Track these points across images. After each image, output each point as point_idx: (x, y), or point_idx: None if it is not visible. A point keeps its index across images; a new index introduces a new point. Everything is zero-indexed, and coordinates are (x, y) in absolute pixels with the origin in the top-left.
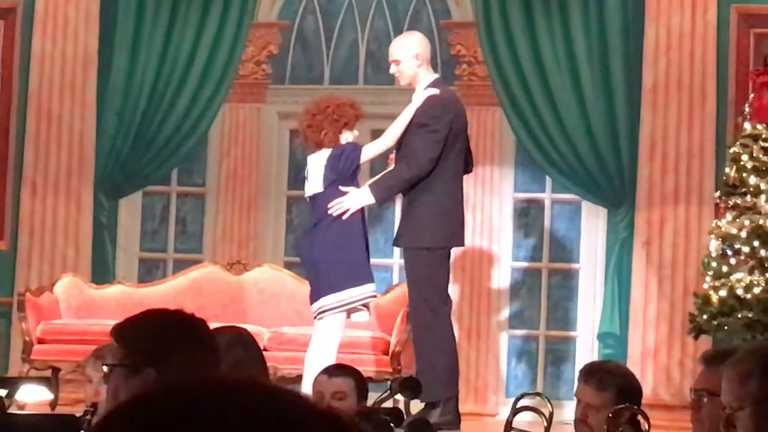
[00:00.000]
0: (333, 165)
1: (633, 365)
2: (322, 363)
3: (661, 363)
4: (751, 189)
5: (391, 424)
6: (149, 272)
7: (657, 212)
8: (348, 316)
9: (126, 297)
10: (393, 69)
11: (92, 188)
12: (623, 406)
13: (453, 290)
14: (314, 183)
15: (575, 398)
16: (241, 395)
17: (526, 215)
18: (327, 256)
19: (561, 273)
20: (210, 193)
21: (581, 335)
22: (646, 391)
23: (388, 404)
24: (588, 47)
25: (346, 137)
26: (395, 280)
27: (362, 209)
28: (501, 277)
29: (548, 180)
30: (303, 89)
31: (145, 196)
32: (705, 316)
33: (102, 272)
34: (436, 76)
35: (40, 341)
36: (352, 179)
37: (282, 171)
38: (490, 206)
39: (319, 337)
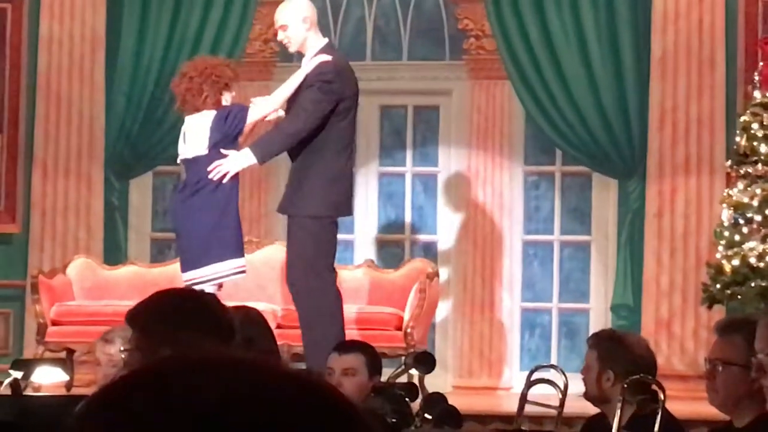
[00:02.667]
0: (219, 126)
1: (647, 336)
2: None
3: (675, 333)
4: (762, 157)
5: (406, 399)
6: (161, 252)
7: (668, 183)
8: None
9: (138, 277)
10: (281, 35)
11: (103, 169)
12: (638, 376)
13: (466, 264)
14: (196, 145)
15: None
16: (217, 371)
17: (537, 188)
18: (207, 225)
19: (573, 245)
20: None
21: (594, 307)
22: (661, 361)
23: (403, 379)
24: (596, 17)
25: (226, 99)
26: (407, 256)
27: (238, 179)
28: (513, 251)
29: (558, 153)
30: None
31: (156, 176)
32: (718, 286)
33: (114, 253)
34: (326, 40)
35: (54, 323)
36: (234, 142)
37: None
38: (501, 180)
39: None
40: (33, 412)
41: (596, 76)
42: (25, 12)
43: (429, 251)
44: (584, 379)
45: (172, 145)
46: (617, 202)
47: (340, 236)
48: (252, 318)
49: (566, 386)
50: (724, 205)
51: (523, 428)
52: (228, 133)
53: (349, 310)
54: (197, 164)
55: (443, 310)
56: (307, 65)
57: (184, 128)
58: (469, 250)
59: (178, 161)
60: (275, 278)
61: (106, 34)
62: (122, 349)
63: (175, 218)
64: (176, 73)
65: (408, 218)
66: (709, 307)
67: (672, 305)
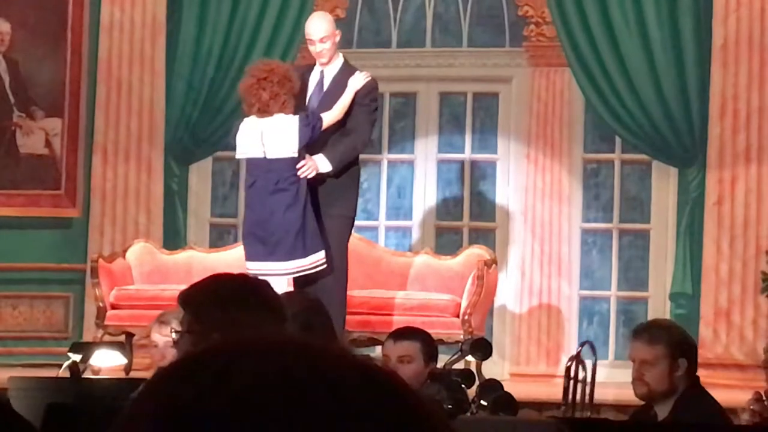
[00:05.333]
0: (307, 131)
1: (706, 325)
2: None
3: (734, 322)
4: None
5: (463, 385)
6: (220, 237)
7: (728, 171)
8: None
9: (197, 262)
10: (319, 47)
11: (163, 154)
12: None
13: (525, 251)
14: (282, 146)
15: (630, 359)
16: (280, 353)
17: (596, 176)
18: (297, 222)
19: (632, 233)
20: None
21: (653, 296)
22: (719, 350)
23: (460, 366)
24: (657, 4)
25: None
26: (465, 243)
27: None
28: (572, 239)
29: (618, 140)
30: (371, 53)
31: (215, 162)
32: None
33: (173, 238)
34: (341, 55)
35: (114, 307)
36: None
37: None
38: (560, 168)
39: None
40: (92, 395)
41: (657, 63)
42: None
43: (487, 238)
44: (642, 379)
45: (232, 131)
46: (677, 191)
47: (399, 222)
48: (310, 304)
49: (595, 367)
50: None
51: (576, 414)
52: (312, 137)
53: (408, 296)
54: (281, 164)
55: (501, 297)
56: (355, 81)
57: (258, 128)
58: (528, 238)
59: (243, 157)
60: None
61: (166, 20)
62: (174, 330)
63: (259, 213)
64: (248, 76)
65: (466, 205)
66: None
67: (731, 294)
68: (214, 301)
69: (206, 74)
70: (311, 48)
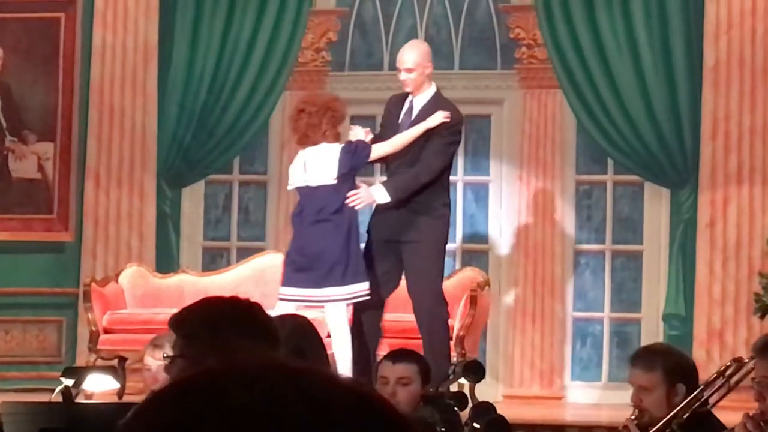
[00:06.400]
0: (347, 159)
1: (699, 346)
2: (346, 350)
3: (727, 343)
4: None
5: (455, 408)
6: (213, 261)
7: (720, 192)
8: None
9: (190, 286)
10: (404, 76)
11: (155, 178)
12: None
13: (518, 273)
14: (322, 174)
15: (629, 383)
16: (272, 378)
17: (589, 197)
18: (336, 250)
19: (624, 255)
20: (272, 181)
21: (646, 317)
22: (713, 371)
23: (453, 388)
24: (648, 26)
25: (339, 132)
26: (458, 265)
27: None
28: (565, 260)
29: (610, 162)
30: (363, 76)
31: (208, 185)
32: None
33: (166, 261)
34: (435, 87)
35: (107, 331)
36: (355, 176)
37: None
38: (552, 189)
39: (338, 326)
40: (84, 420)
41: (648, 85)
42: (78, 21)
43: (480, 260)
44: (641, 405)
45: (225, 154)
46: (669, 212)
47: None
48: (301, 326)
49: None
50: None
51: None
52: (354, 166)
53: (401, 318)
54: (322, 192)
55: (494, 319)
56: (432, 119)
57: (303, 158)
58: (521, 260)
59: (292, 188)
60: None
61: (158, 44)
62: (165, 355)
63: (300, 241)
64: (293, 107)
65: (459, 227)
66: (762, 316)
67: (724, 315)
68: (205, 325)
69: (198, 98)
70: (399, 74)
